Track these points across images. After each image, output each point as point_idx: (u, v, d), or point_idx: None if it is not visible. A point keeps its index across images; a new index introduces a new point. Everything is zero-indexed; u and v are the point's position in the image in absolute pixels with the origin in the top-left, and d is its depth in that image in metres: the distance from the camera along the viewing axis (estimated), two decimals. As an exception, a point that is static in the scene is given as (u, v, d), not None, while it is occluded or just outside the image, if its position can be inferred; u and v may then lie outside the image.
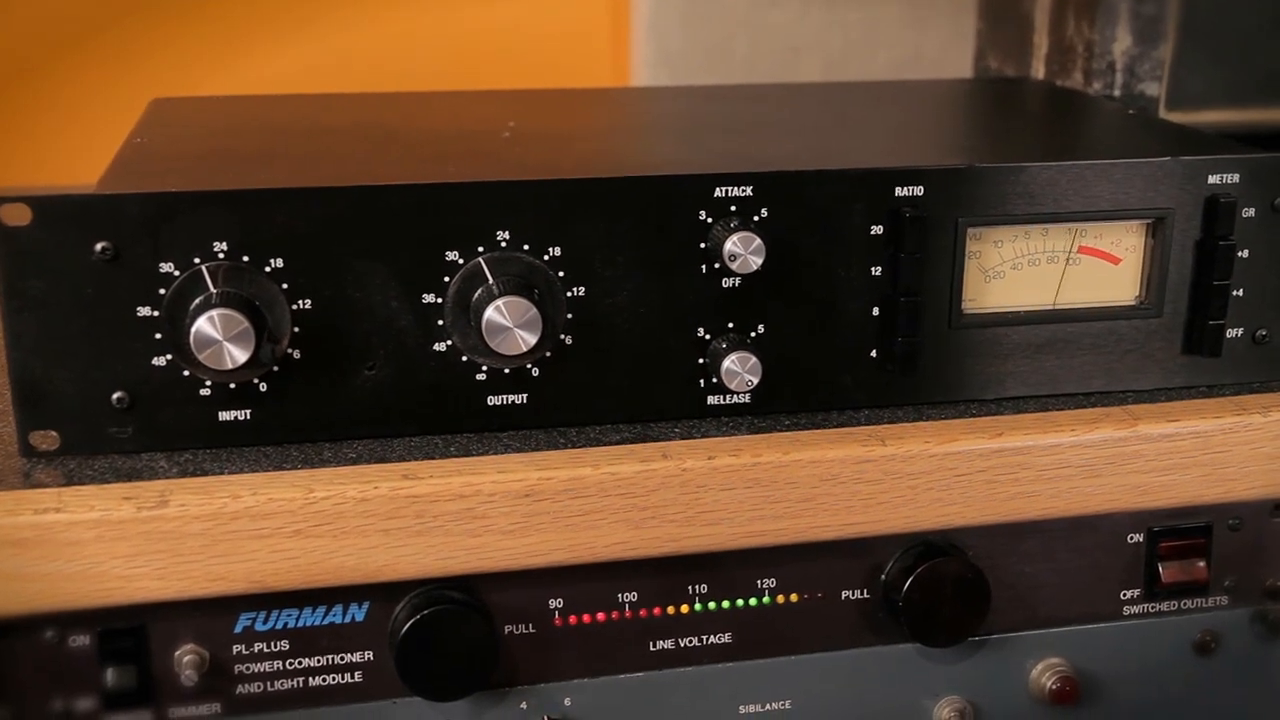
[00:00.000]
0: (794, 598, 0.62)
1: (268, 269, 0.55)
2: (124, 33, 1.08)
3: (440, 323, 0.57)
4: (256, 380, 0.56)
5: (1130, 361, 0.64)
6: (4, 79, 1.06)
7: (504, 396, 0.59)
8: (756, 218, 0.58)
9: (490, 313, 0.55)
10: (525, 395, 0.59)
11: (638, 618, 0.61)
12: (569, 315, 0.58)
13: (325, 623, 0.57)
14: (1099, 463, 0.61)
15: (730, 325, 0.60)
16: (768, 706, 0.63)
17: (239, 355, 0.53)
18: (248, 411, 0.57)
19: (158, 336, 0.55)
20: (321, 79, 1.09)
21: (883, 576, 0.62)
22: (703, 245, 0.58)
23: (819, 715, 0.64)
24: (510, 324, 0.55)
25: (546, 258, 0.57)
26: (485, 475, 0.55)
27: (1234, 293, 0.63)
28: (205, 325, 0.53)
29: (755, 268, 0.57)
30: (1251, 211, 0.62)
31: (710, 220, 0.58)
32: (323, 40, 1.12)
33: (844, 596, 0.63)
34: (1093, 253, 0.62)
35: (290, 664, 0.58)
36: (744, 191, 0.58)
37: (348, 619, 0.58)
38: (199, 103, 0.78)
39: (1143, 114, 0.81)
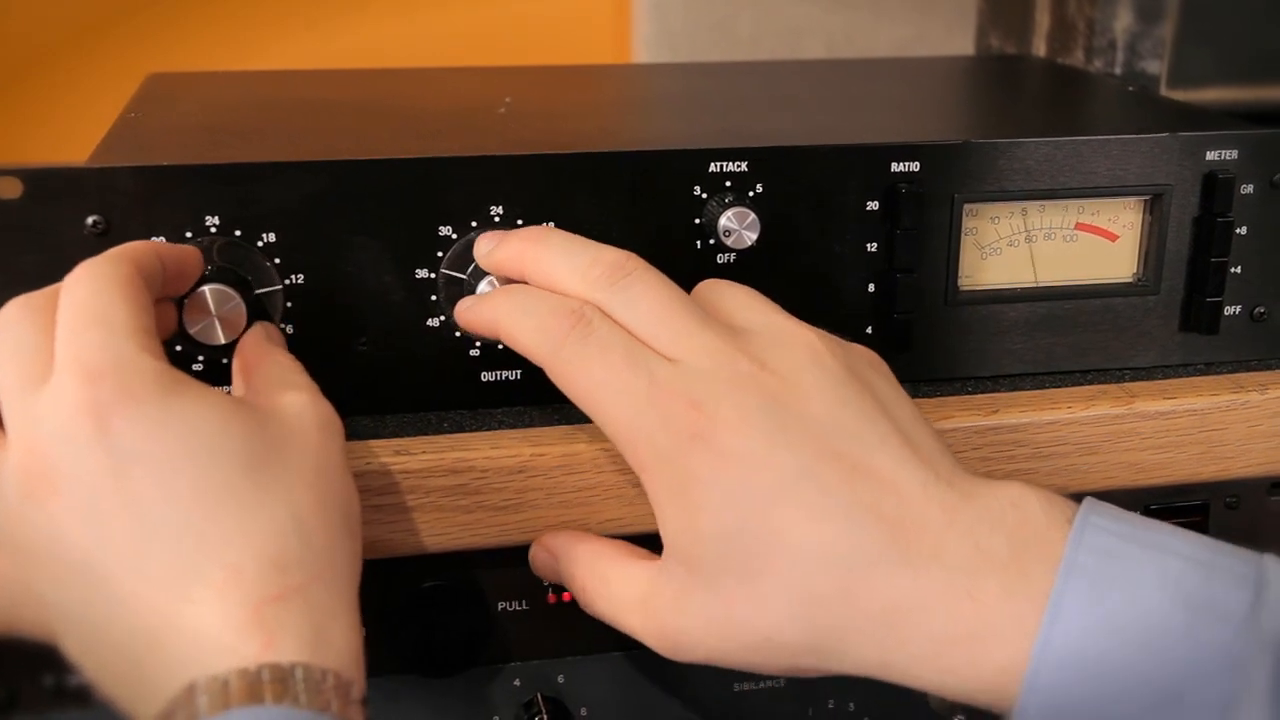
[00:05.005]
0: (789, 575, 0.62)
1: (260, 244, 0.55)
2: (133, 18, 1.08)
3: (434, 298, 0.57)
4: (249, 355, 0.56)
5: (1127, 339, 0.64)
6: (13, 64, 1.06)
7: (497, 372, 0.58)
8: (751, 193, 0.58)
9: (484, 288, 0.55)
10: (519, 371, 0.59)
11: (632, 594, 0.60)
12: (563, 291, 0.58)
13: (318, 598, 0.57)
14: (1095, 440, 0.60)
15: (725, 301, 0.59)
16: (762, 684, 0.63)
17: (231, 331, 0.53)
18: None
19: (150, 311, 0.55)
20: (322, 59, 1.09)
21: (878, 554, 0.62)
22: (697, 221, 0.58)
23: (813, 694, 0.64)
24: (503, 299, 0.55)
25: (540, 233, 0.57)
26: (478, 451, 0.55)
27: (1232, 270, 0.63)
28: (197, 300, 0.53)
29: (750, 243, 0.57)
30: (1250, 188, 0.62)
31: (705, 196, 0.58)
32: (324, 21, 1.12)
33: (839, 574, 0.62)
34: (1090, 229, 0.62)
35: (283, 639, 0.57)
36: (739, 167, 0.58)
37: (341, 595, 0.57)
38: (194, 78, 0.77)
39: (1142, 91, 0.81)
